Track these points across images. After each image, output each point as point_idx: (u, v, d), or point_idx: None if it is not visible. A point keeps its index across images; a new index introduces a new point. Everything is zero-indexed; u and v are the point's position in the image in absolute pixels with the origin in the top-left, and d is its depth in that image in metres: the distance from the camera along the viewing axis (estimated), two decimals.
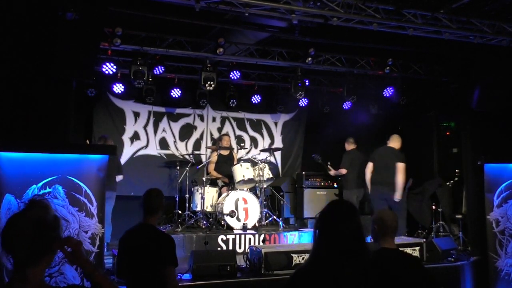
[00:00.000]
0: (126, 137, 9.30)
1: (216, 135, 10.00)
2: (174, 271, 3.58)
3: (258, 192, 8.30)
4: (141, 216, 3.79)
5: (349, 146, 8.82)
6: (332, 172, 8.91)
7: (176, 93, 8.94)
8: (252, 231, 7.70)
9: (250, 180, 8.33)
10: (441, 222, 8.27)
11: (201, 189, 8.05)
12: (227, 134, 9.56)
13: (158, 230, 3.79)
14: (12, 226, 1.93)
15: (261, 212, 8.11)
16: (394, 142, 8.01)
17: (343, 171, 8.61)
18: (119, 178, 7.86)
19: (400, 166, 7.69)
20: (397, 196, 7.58)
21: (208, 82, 8.06)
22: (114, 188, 7.63)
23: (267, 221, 8.38)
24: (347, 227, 2.29)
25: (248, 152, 9.68)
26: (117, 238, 8.17)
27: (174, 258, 3.59)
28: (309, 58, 7.86)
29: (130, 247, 3.69)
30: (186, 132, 9.81)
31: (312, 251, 2.34)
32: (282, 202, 9.38)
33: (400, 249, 3.47)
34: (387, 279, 2.89)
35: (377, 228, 3.29)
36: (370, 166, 8.00)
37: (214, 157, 9.04)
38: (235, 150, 9.43)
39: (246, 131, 10.10)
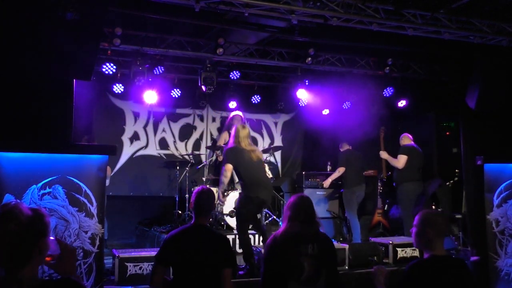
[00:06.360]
0: (125, 137, 9.31)
1: (216, 135, 10.00)
2: (231, 274, 3.57)
3: None
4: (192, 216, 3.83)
5: (344, 147, 8.68)
6: (330, 180, 8.64)
7: (176, 93, 8.93)
8: (252, 231, 7.69)
9: None
10: None
11: None
12: (240, 114, 9.00)
13: (214, 231, 3.77)
14: None
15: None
16: (408, 140, 8.31)
17: (342, 169, 8.38)
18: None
19: None
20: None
21: (208, 86, 8.06)
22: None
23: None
24: (305, 209, 3.60)
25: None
26: (115, 236, 8.28)
27: (233, 260, 3.60)
28: (309, 58, 7.85)
29: (185, 250, 3.58)
30: (186, 132, 9.82)
31: (283, 223, 3.64)
32: (282, 202, 9.38)
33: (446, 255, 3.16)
34: None
35: (430, 233, 3.01)
36: (403, 160, 8.10)
37: (225, 137, 8.91)
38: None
39: None
